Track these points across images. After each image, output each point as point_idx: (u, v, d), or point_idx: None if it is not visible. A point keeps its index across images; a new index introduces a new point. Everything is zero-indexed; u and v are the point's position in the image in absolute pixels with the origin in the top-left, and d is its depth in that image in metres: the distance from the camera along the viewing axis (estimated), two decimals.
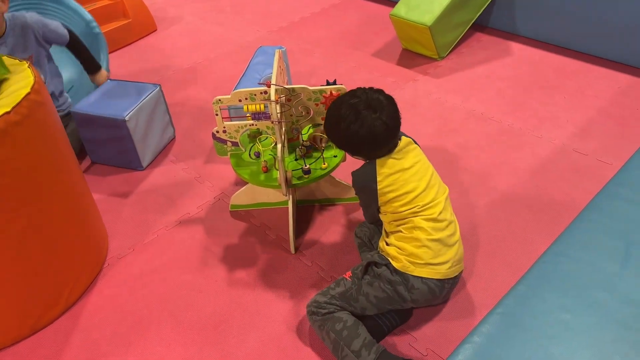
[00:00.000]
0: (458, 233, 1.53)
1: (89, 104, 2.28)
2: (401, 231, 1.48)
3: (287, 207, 1.97)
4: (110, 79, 2.48)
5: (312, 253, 1.87)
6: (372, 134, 1.41)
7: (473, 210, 1.99)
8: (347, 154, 1.90)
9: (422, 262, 1.43)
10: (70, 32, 2.35)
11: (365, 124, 1.41)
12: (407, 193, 1.46)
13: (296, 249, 1.89)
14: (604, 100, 2.56)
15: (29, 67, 1.55)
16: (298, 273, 1.80)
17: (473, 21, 3.07)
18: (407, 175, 1.47)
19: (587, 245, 1.30)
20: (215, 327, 1.64)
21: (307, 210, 2.06)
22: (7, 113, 1.36)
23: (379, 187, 1.48)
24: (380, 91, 1.48)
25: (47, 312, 1.68)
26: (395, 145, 1.49)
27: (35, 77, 1.50)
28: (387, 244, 1.52)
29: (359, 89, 1.49)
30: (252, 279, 1.79)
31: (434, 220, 1.46)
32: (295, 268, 1.82)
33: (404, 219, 1.47)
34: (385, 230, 1.58)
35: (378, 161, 1.49)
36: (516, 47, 3.09)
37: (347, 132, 1.43)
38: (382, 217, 1.56)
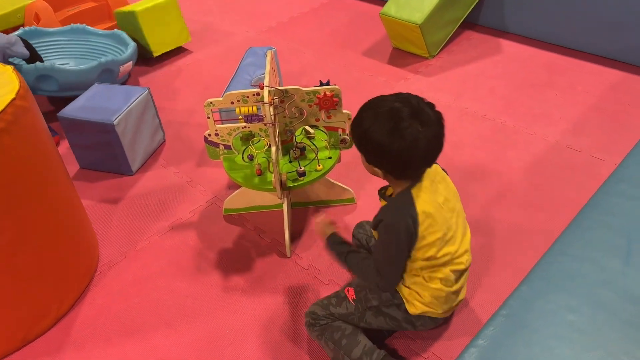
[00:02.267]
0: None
1: (76, 108, 2.22)
2: (422, 277, 1.33)
3: (282, 210, 1.94)
4: (97, 83, 2.43)
5: (309, 256, 1.84)
6: (414, 148, 1.16)
7: (468, 209, 1.97)
8: (339, 157, 1.87)
9: (440, 311, 1.37)
10: (29, 47, 2.50)
11: (407, 135, 1.15)
12: (443, 236, 1.27)
13: (292, 252, 1.85)
14: (595, 96, 2.56)
15: (13, 71, 1.50)
16: (295, 277, 1.77)
17: (463, 19, 3.06)
18: (444, 212, 1.28)
19: (589, 244, 1.29)
20: (211, 335, 1.61)
21: (302, 213, 2.03)
22: None
23: (420, 229, 1.23)
24: (432, 105, 1.22)
25: (37, 323, 1.63)
26: (424, 171, 1.27)
27: (20, 82, 1.45)
28: (404, 284, 1.38)
29: (407, 93, 1.23)
30: (248, 285, 1.76)
31: (462, 271, 1.35)
32: (291, 272, 1.79)
33: (433, 267, 1.30)
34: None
35: (414, 192, 1.25)
36: (506, 44, 3.08)
37: (381, 138, 1.17)
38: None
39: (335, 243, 1.47)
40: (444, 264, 1.31)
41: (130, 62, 2.75)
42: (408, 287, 1.37)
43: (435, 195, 1.27)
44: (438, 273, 1.32)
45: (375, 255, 1.35)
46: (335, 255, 1.46)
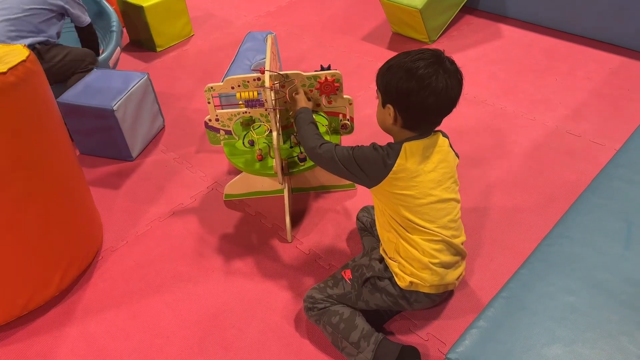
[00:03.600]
0: (464, 251, 1.42)
1: (76, 93, 2.21)
2: (400, 244, 1.37)
3: (282, 196, 1.94)
4: (96, 68, 2.42)
5: (309, 241, 1.85)
6: (428, 89, 1.24)
7: (468, 194, 1.98)
8: (340, 142, 1.87)
9: (427, 284, 1.36)
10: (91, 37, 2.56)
11: (425, 75, 1.23)
12: (413, 198, 1.31)
13: (293, 237, 1.87)
14: (595, 82, 2.56)
15: (24, 47, 1.53)
16: (296, 261, 1.78)
17: (463, 4, 3.04)
18: (428, 178, 1.32)
19: (589, 227, 1.30)
20: (214, 318, 1.62)
21: (302, 198, 2.04)
22: (3, 73, 1.37)
23: (395, 168, 1.29)
24: (454, 63, 1.32)
25: (39, 292, 1.63)
26: (429, 125, 1.34)
27: (29, 54, 1.49)
28: (389, 257, 1.43)
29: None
30: (249, 269, 1.77)
31: (441, 243, 1.35)
32: (292, 257, 1.80)
33: (403, 227, 1.35)
34: (381, 239, 1.46)
35: (406, 147, 1.30)
36: (506, 29, 3.07)
37: (400, 72, 1.25)
38: (379, 200, 1.40)
39: (308, 113, 1.60)
40: (413, 231, 1.33)
41: (118, 49, 2.71)
42: (394, 260, 1.39)
43: (425, 162, 1.32)
44: (412, 240, 1.34)
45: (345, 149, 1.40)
46: (301, 120, 1.58)
